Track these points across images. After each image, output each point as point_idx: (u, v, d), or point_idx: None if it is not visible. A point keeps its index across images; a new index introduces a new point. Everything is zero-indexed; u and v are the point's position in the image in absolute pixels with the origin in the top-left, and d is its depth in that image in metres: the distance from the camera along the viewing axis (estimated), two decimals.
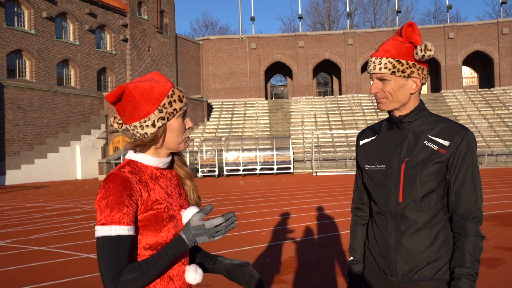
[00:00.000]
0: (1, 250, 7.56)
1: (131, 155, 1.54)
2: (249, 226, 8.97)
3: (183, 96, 1.52)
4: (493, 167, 28.28)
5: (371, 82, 1.83)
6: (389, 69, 1.74)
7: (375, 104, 34.31)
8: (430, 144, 1.75)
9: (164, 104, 1.48)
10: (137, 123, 1.48)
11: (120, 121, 1.57)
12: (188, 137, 1.58)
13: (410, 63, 1.75)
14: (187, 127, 1.56)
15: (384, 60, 1.75)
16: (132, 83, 1.49)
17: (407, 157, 1.76)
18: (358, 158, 2.00)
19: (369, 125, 2.04)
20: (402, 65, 1.74)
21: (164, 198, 1.51)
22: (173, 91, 1.50)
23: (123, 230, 1.37)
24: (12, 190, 21.83)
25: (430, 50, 1.71)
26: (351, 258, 2.03)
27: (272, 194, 15.72)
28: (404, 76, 1.75)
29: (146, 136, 1.49)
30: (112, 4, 34.02)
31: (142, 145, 1.52)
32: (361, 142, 1.99)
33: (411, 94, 1.78)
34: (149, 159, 1.53)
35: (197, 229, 1.45)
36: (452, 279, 1.68)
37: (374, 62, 1.78)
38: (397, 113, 1.81)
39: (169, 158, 1.58)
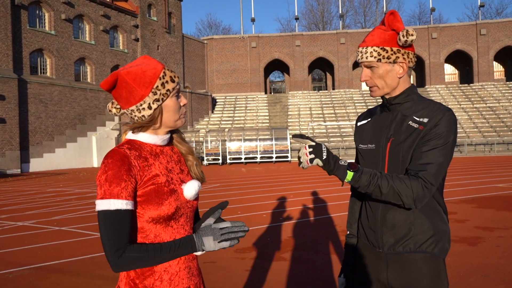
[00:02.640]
0: (26, 229, 7.57)
1: (130, 135, 1.48)
2: (251, 209, 8.97)
3: (174, 76, 1.45)
4: (473, 156, 28.27)
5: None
6: (375, 57, 1.70)
7: (365, 97, 34.01)
8: (413, 124, 1.70)
9: (157, 86, 1.41)
10: (133, 107, 1.42)
11: (118, 106, 1.50)
12: (184, 113, 1.51)
13: (395, 49, 1.69)
14: (181, 104, 1.49)
15: (369, 49, 1.71)
16: (124, 69, 1.42)
17: (393, 136, 1.73)
18: (355, 138, 1.97)
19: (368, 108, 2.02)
20: (387, 52, 1.69)
21: (164, 173, 1.44)
22: (164, 72, 1.43)
23: (121, 204, 1.31)
24: (35, 177, 21.85)
25: (412, 35, 1.65)
26: (348, 232, 2.02)
27: (272, 180, 15.72)
28: (390, 62, 1.70)
29: (144, 118, 1.43)
30: (124, 6, 33.79)
31: (140, 127, 1.46)
32: (359, 124, 1.96)
33: (399, 78, 1.74)
34: (147, 137, 1.47)
35: (204, 229, 1.41)
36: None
37: (361, 52, 1.75)
38: (388, 96, 1.78)
39: (168, 136, 1.52)
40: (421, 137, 1.66)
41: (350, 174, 1.59)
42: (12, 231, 7.51)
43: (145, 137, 1.47)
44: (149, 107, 1.42)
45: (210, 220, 1.45)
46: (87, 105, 30.34)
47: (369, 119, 1.91)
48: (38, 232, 7.37)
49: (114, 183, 1.32)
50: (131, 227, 1.35)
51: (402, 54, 1.71)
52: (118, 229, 1.30)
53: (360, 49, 1.75)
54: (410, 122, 1.71)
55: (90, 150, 30.32)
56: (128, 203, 1.33)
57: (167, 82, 1.43)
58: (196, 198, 1.52)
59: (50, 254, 5.76)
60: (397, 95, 1.76)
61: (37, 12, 27.68)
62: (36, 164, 26.55)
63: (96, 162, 30.25)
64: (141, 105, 1.42)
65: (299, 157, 1.61)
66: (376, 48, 1.70)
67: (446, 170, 1.67)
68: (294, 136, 1.66)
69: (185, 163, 1.58)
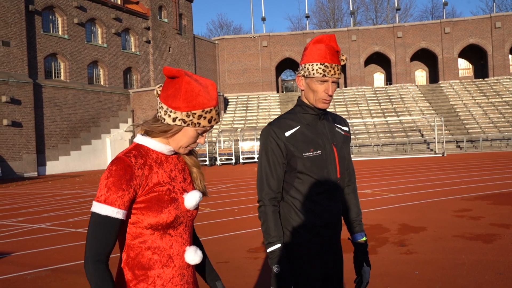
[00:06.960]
0: (43, 232, 7.70)
1: (139, 139, 1.50)
2: None
3: (214, 120, 1.46)
4: (488, 151, 27.89)
5: (317, 84, 1.91)
6: (339, 73, 1.96)
7: (378, 95, 33.52)
8: (340, 130, 2.06)
9: (195, 113, 1.42)
10: (166, 107, 1.44)
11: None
12: (191, 148, 1.52)
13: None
14: (197, 141, 1.51)
15: (339, 66, 1.93)
16: (190, 77, 1.43)
17: (333, 141, 2.00)
18: (291, 148, 1.92)
19: (276, 119, 2.00)
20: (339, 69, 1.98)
21: (167, 181, 1.46)
22: (211, 109, 1.44)
23: (112, 211, 1.33)
24: (52, 179, 22.17)
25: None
26: (278, 245, 1.88)
27: None
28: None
29: (163, 122, 1.45)
30: (136, 9, 34.08)
31: (152, 132, 1.47)
32: (287, 134, 1.94)
33: None
34: (155, 144, 1.48)
35: None
36: (356, 226, 2.12)
37: (333, 68, 1.90)
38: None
39: None
40: (347, 142, 2.08)
41: None
42: (30, 233, 7.65)
43: (154, 144, 1.49)
44: (174, 120, 1.43)
45: None
46: (101, 107, 30.69)
47: (297, 128, 1.95)
48: (55, 234, 7.49)
49: (111, 190, 1.35)
50: (116, 237, 1.37)
51: None
52: (102, 236, 1.33)
53: (334, 65, 1.91)
54: (337, 129, 2.05)
55: (105, 152, 30.66)
56: (119, 212, 1.35)
57: (204, 117, 1.43)
58: (196, 207, 1.53)
59: (66, 256, 5.85)
60: None
61: (51, 17, 28.09)
62: (52, 167, 26.94)
63: None
64: (171, 111, 1.43)
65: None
66: (339, 66, 1.94)
67: None
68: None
69: (189, 174, 1.60)
